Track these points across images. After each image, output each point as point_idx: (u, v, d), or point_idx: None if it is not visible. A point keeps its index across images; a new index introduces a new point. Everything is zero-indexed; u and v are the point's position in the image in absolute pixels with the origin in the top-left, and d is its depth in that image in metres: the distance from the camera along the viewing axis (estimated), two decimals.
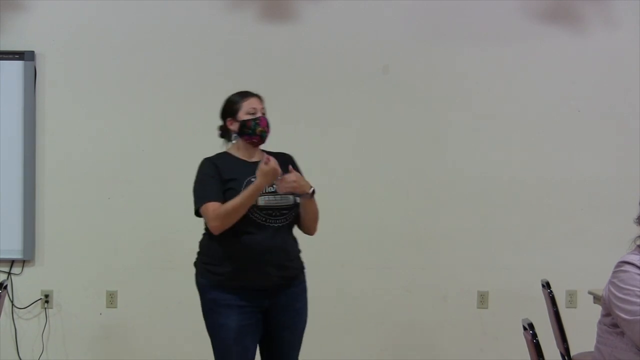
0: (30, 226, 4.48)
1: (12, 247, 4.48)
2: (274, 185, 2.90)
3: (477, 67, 4.63)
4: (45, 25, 4.51)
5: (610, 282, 2.34)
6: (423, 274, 4.64)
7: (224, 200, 2.87)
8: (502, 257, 4.64)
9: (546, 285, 3.54)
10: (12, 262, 4.51)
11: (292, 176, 2.85)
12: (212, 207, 2.87)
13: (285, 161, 3.01)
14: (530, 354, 2.57)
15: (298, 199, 2.98)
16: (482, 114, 4.64)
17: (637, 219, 2.41)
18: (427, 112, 4.64)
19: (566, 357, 3.39)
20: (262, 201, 2.89)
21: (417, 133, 4.64)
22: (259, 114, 3.00)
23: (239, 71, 4.56)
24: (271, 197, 2.92)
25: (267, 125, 3.00)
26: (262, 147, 3.07)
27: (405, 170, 4.61)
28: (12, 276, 4.50)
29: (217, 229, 2.88)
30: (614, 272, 2.34)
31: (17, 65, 4.46)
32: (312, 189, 2.90)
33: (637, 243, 2.38)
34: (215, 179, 2.92)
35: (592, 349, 2.52)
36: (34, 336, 4.53)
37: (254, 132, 2.98)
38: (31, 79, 4.46)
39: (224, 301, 2.94)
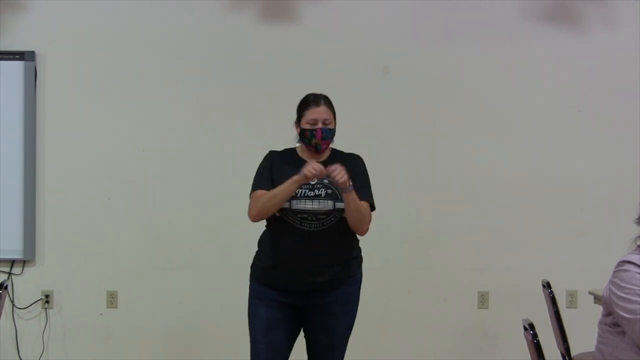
0: (31, 226, 4.48)
1: (13, 247, 4.48)
2: (315, 191, 2.97)
3: (477, 67, 4.63)
4: (45, 25, 4.51)
5: (611, 282, 2.35)
6: (423, 274, 4.64)
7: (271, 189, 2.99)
8: (502, 257, 4.64)
9: (546, 286, 3.53)
10: (13, 262, 4.51)
11: (335, 167, 2.88)
12: (255, 195, 3.01)
13: (352, 163, 3.09)
14: (530, 354, 2.57)
15: (337, 205, 2.99)
16: (482, 114, 4.64)
17: (637, 219, 2.42)
18: (426, 112, 4.64)
19: (567, 357, 3.39)
20: (295, 204, 2.95)
21: (417, 133, 4.64)
22: (319, 125, 3.04)
23: (239, 71, 4.57)
24: (308, 202, 2.96)
25: (322, 138, 3.04)
26: (333, 146, 3.15)
27: (405, 170, 4.61)
28: (13, 276, 4.50)
29: (253, 217, 3.02)
30: (615, 272, 2.34)
31: (17, 65, 4.46)
32: (350, 184, 2.92)
33: (638, 243, 2.39)
34: (267, 172, 3.06)
35: (592, 349, 2.52)
36: (34, 336, 4.53)
37: (309, 142, 3.06)
38: (31, 79, 4.46)
39: (258, 293, 3.06)
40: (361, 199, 3.02)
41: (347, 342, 3.16)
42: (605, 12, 4.62)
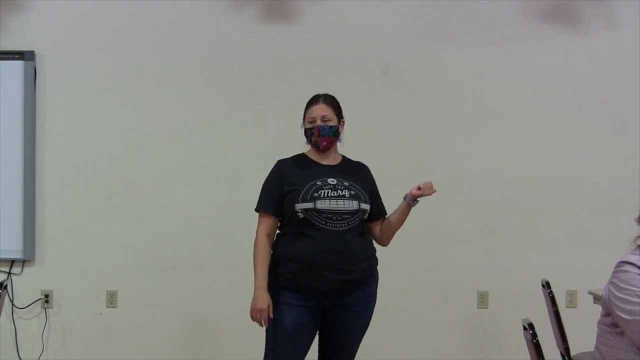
0: (30, 226, 4.48)
1: (12, 247, 4.48)
2: (337, 191, 2.99)
3: (477, 67, 4.63)
4: (45, 25, 4.51)
5: (610, 282, 2.34)
6: (423, 274, 4.64)
7: (274, 211, 3.04)
8: (502, 257, 4.64)
9: (546, 285, 3.54)
10: (12, 262, 4.51)
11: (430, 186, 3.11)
12: (262, 225, 3.06)
13: (369, 177, 3.19)
14: (530, 354, 2.57)
15: (362, 205, 3.03)
16: (481, 114, 4.65)
17: (638, 218, 2.41)
18: (426, 112, 4.64)
19: (566, 357, 3.39)
20: (320, 204, 2.95)
21: (417, 133, 4.64)
22: (317, 123, 3.06)
23: (239, 71, 4.57)
24: (333, 202, 2.97)
25: (319, 135, 3.06)
26: (342, 153, 3.19)
27: (405, 170, 4.61)
28: (12, 276, 4.51)
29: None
30: (614, 272, 2.34)
31: (17, 65, 4.46)
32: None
33: (637, 243, 2.38)
34: (274, 189, 3.05)
35: (592, 349, 2.52)
36: (34, 336, 4.54)
37: (310, 140, 3.10)
38: (31, 79, 4.46)
39: (282, 299, 2.99)
40: (384, 214, 3.19)
41: (360, 341, 3.19)
42: (605, 12, 4.62)
